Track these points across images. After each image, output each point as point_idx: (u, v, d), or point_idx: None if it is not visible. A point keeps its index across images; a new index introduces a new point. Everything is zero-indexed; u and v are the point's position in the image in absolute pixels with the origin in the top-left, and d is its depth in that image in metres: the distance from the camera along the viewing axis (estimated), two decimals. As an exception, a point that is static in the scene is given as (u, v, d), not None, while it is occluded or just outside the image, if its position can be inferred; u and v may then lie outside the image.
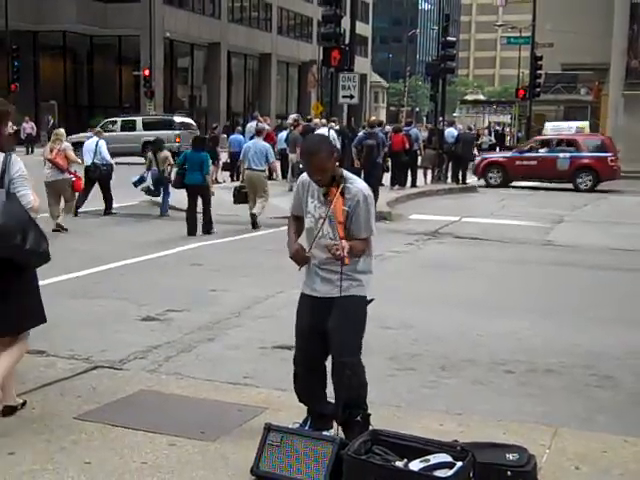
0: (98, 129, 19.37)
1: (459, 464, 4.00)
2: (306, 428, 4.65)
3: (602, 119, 39.09)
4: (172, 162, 16.56)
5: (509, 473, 4.17)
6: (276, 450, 4.28)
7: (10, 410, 5.03)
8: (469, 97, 77.82)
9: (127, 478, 4.24)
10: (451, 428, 5.02)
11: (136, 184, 16.57)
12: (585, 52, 36.36)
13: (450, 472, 3.93)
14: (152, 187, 16.29)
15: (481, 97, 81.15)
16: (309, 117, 28.76)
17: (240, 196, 15.40)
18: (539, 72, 37.50)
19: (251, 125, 24.82)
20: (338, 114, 26.33)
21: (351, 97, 21.77)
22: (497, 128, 45.93)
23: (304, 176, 4.65)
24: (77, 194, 15.31)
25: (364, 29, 79.78)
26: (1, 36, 44.43)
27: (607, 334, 8.03)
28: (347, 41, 22.73)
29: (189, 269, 10.94)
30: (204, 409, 5.34)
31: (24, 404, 5.14)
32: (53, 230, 13.35)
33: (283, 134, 25.52)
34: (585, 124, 36.34)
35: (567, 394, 6.22)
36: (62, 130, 15.55)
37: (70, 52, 54.12)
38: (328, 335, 4.50)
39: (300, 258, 4.48)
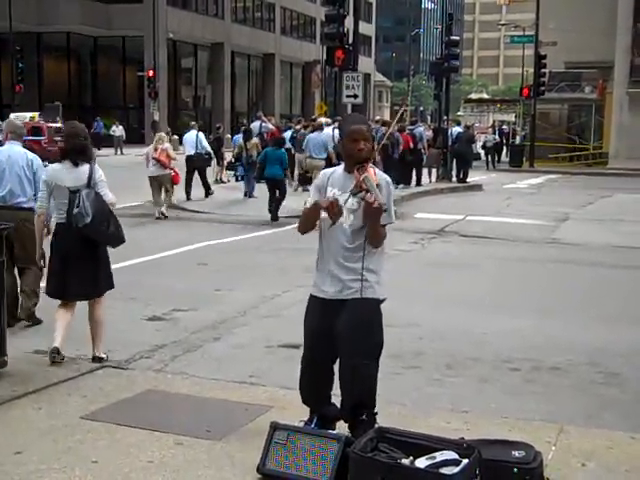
0: (193, 122, 22.50)
1: (465, 461, 4.00)
2: (312, 426, 4.65)
3: (607, 117, 38.98)
4: (260, 149, 19.23)
5: (515, 470, 4.17)
6: (282, 448, 4.28)
7: (99, 360, 6.38)
8: (473, 96, 77.73)
9: (133, 477, 4.25)
10: (457, 426, 5.02)
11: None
12: (589, 50, 36.25)
13: (456, 469, 3.93)
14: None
15: (485, 96, 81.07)
16: (313, 117, 28.72)
17: (305, 179, 18.95)
18: (543, 71, 37.40)
19: (255, 125, 24.79)
20: (342, 114, 26.33)
21: (355, 96, 21.79)
22: (504, 127, 45.76)
23: (326, 170, 4.79)
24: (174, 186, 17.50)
25: (367, 28, 79.76)
26: (5, 37, 44.60)
27: (612, 331, 8.02)
28: (350, 41, 22.72)
29: (195, 269, 10.96)
30: (210, 408, 5.35)
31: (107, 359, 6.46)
32: (156, 218, 15.99)
33: (287, 134, 25.48)
34: None
35: (573, 391, 6.22)
36: (163, 133, 18.23)
37: (74, 53, 54.25)
38: (339, 337, 4.46)
39: (337, 209, 4.33)
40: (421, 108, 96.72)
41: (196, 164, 19.05)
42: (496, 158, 38.11)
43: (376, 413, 4.56)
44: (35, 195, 7.14)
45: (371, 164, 4.49)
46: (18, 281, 7.59)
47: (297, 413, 4.86)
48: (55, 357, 6.16)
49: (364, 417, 4.48)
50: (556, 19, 38.14)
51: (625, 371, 6.70)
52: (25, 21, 46.49)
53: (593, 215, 19.14)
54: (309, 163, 19.50)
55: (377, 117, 41.48)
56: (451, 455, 4.07)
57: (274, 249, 12.47)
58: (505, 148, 41.68)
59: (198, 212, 17.32)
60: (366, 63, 73.07)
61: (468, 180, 26.88)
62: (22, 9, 44.67)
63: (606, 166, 37.20)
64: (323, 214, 4.46)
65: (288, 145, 24.65)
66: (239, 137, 23.85)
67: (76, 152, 6.33)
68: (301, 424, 4.65)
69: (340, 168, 4.67)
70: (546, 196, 24.11)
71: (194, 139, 19.30)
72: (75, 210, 6.13)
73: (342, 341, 4.46)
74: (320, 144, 19.30)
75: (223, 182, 23.54)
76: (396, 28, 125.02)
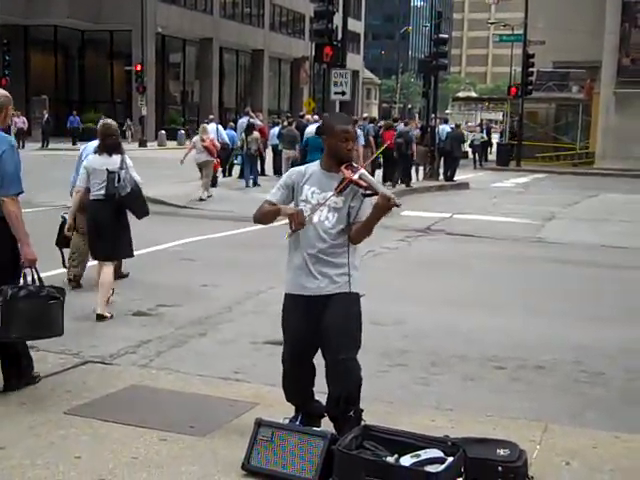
0: (212, 116, 25.14)
1: (450, 459, 4.01)
2: (297, 423, 4.64)
3: (594, 117, 39.12)
4: (260, 144, 21.69)
5: (500, 468, 4.18)
6: (267, 445, 4.27)
7: (102, 318, 7.64)
8: (461, 94, 77.91)
9: (117, 473, 4.23)
10: (442, 424, 5.03)
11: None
12: (577, 50, 36.35)
13: (441, 467, 3.94)
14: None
15: (473, 94, 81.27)
16: (301, 113, 28.68)
17: None
18: (531, 70, 37.51)
19: (242, 121, 24.74)
20: (330, 110, 26.30)
21: (343, 93, 21.79)
22: (492, 126, 45.85)
23: (297, 168, 4.74)
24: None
25: (356, 26, 79.69)
26: (-8, 30, 44.34)
27: (598, 331, 8.05)
28: (339, 37, 22.70)
29: (181, 264, 10.93)
30: (195, 404, 5.33)
31: (112, 317, 7.80)
32: (208, 196, 18.34)
33: (275, 130, 25.46)
34: None
35: (557, 390, 6.24)
36: (207, 125, 20.16)
37: (61, 47, 53.89)
38: (323, 332, 4.45)
39: (302, 218, 4.38)
40: (409, 106, 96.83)
41: (220, 154, 20.29)
42: (483, 157, 38.20)
43: (362, 410, 4.56)
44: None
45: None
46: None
47: (282, 410, 4.85)
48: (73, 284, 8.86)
49: (350, 414, 4.48)
50: (545, 18, 38.25)
51: (610, 370, 6.72)
52: (12, 14, 46.18)
53: (579, 214, 19.22)
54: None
55: (365, 114, 41.50)
56: (436, 453, 4.08)
57: (262, 245, 12.45)
58: (491, 147, 41.79)
59: (186, 207, 17.29)
60: (355, 60, 72.95)
61: (455, 178, 26.94)
62: (9, 2, 44.41)
63: (593, 166, 37.35)
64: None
65: (275, 141, 24.71)
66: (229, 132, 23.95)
67: (112, 148, 8.04)
68: (286, 421, 4.64)
69: (314, 166, 4.63)
70: (532, 195, 24.19)
71: (214, 131, 20.66)
72: (117, 184, 7.82)
73: (330, 336, 4.44)
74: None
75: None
76: (385, 25, 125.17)
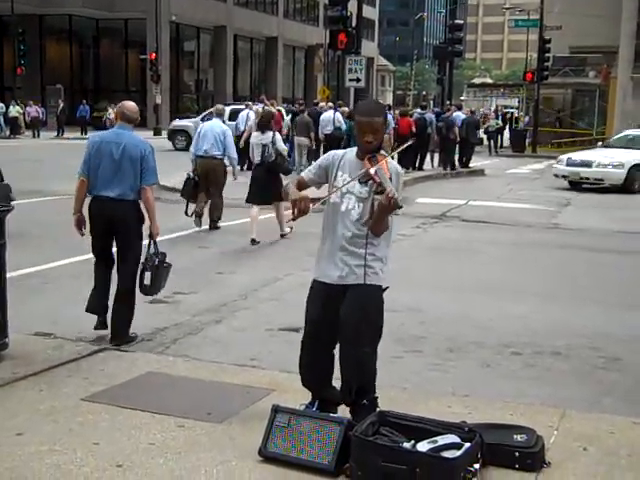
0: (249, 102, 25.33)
1: (467, 445, 4.00)
2: (313, 409, 4.65)
3: (610, 102, 38.84)
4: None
5: (517, 454, 4.17)
6: (284, 431, 4.28)
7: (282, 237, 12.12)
8: (476, 80, 77.44)
9: (135, 459, 4.25)
10: (458, 410, 5.01)
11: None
12: (594, 35, 36.07)
13: (458, 453, 3.93)
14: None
15: (489, 80, 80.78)
16: (316, 101, 28.60)
17: None
18: (547, 55, 37.25)
19: (243, 115, 24.58)
20: (345, 97, 26.23)
21: (357, 80, 21.76)
22: (506, 111, 45.52)
23: (336, 151, 4.68)
24: None
25: (371, 12, 79.39)
26: (7, 20, 44.49)
27: (614, 317, 8.01)
28: (354, 24, 22.63)
29: (197, 252, 10.95)
30: (211, 391, 5.35)
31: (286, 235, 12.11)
32: None
33: (288, 118, 25.36)
34: None
35: (574, 376, 6.22)
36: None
37: (76, 36, 54.00)
38: (341, 323, 4.43)
39: (304, 205, 4.32)
40: (424, 92, 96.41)
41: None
42: (499, 143, 37.99)
43: (377, 397, 4.55)
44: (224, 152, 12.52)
45: (384, 152, 4.44)
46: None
47: (298, 396, 4.86)
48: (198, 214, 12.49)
49: (365, 402, 4.47)
50: (561, 3, 37.95)
51: (626, 356, 6.69)
52: (27, 3, 46.30)
53: (594, 201, 19.11)
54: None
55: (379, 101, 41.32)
56: (453, 439, 4.07)
57: (279, 232, 12.44)
58: (507, 133, 41.54)
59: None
60: (369, 47, 72.72)
61: (471, 165, 26.84)
62: (24, -9, 44.52)
63: (609, 151, 37.06)
64: (334, 198, 4.44)
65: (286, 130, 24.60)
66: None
67: (264, 126, 11.96)
68: (302, 407, 4.64)
69: (352, 152, 4.58)
70: (548, 181, 24.05)
71: (245, 118, 21.64)
72: (266, 154, 11.58)
73: (343, 327, 4.43)
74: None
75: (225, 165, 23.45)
76: (400, 12, 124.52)
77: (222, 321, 7.49)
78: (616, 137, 24.82)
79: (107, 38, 54.63)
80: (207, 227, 12.70)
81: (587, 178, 21.34)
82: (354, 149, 4.58)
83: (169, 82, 50.89)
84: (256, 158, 11.82)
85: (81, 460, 4.21)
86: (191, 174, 12.44)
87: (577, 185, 21.68)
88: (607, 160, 21.22)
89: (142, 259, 6.78)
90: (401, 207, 4.22)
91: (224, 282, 9.11)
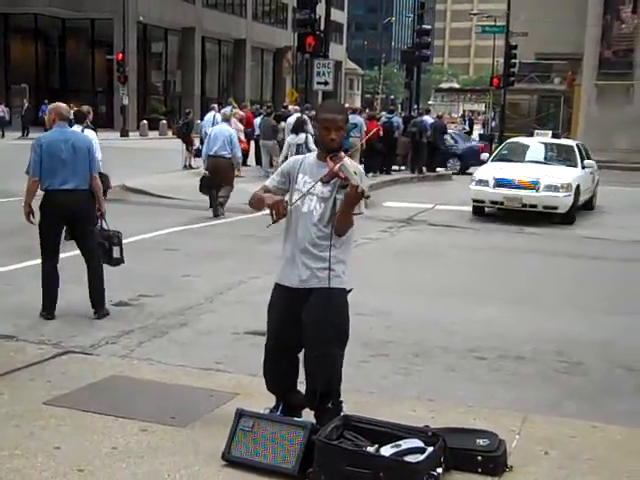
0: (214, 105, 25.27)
1: (430, 449, 4.02)
2: (277, 413, 4.64)
3: (575, 108, 39.29)
4: None
5: (479, 458, 4.20)
6: (248, 435, 4.27)
7: None
8: (444, 85, 77.99)
9: (97, 463, 4.21)
10: (423, 414, 5.04)
11: None
12: (559, 42, 36.49)
13: (421, 457, 3.95)
14: None
15: (456, 85, 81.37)
16: (284, 104, 28.59)
17: None
18: (513, 61, 37.60)
19: (224, 111, 24.61)
20: (313, 100, 26.27)
21: (326, 83, 21.75)
22: (472, 117, 45.91)
23: (297, 157, 4.74)
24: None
25: (339, 16, 79.54)
26: (-29, 18, 43.85)
27: (579, 321, 8.09)
28: (322, 27, 22.66)
29: (163, 254, 10.89)
30: (175, 394, 5.31)
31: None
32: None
33: (257, 120, 25.34)
34: None
35: (537, 380, 6.27)
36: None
37: (42, 35, 53.45)
38: (305, 326, 4.42)
39: (281, 208, 4.33)
40: (392, 97, 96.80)
41: None
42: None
43: (342, 401, 4.56)
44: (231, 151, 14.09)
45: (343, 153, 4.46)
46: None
47: (263, 400, 4.85)
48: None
49: (330, 405, 4.47)
50: (527, 10, 38.35)
51: (590, 361, 6.76)
52: (-8, 2, 45.81)
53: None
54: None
55: (346, 105, 41.46)
56: (416, 443, 4.09)
57: (244, 235, 12.43)
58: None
59: (168, 197, 17.21)
60: (338, 50, 72.86)
61: (438, 169, 26.96)
62: (-11, -11, 43.98)
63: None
64: (294, 199, 4.45)
65: (258, 132, 24.59)
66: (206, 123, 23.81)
67: (299, 128, 13.69)
68: (267, 411, 4.63)
69: (312, 156, 4.63)
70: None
71: (211, 120, 21.26)
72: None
73: (307, 330, 4.42)
74: None
75: (192, 168, 23.36)
76: (368, 16, 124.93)
77: (187, 324, 7.45)
78: (505, 147, 18.83)
79: (73, 38, 54.07)
80: (218, 215, 14.24)
81: (533, 205, 15.43)
82: (313, 153, 4.66)
83: (136, 83, 50.55)
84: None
85: (42, 465, 4.16)
86: (206, 172, 14.28)
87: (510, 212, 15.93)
88: (554, 180, 15.46)
89: (101, 238, 7.69)
90: (368, 197, 4.27)
91: (190, 285, 9.07)
